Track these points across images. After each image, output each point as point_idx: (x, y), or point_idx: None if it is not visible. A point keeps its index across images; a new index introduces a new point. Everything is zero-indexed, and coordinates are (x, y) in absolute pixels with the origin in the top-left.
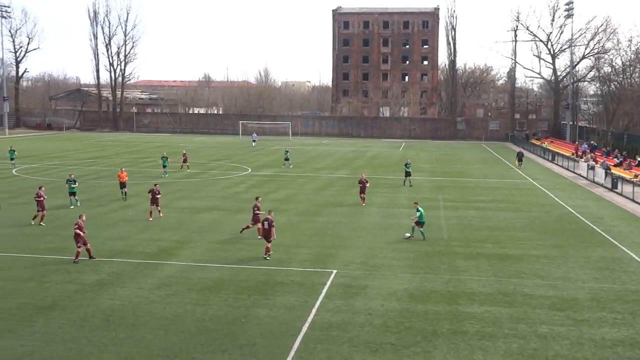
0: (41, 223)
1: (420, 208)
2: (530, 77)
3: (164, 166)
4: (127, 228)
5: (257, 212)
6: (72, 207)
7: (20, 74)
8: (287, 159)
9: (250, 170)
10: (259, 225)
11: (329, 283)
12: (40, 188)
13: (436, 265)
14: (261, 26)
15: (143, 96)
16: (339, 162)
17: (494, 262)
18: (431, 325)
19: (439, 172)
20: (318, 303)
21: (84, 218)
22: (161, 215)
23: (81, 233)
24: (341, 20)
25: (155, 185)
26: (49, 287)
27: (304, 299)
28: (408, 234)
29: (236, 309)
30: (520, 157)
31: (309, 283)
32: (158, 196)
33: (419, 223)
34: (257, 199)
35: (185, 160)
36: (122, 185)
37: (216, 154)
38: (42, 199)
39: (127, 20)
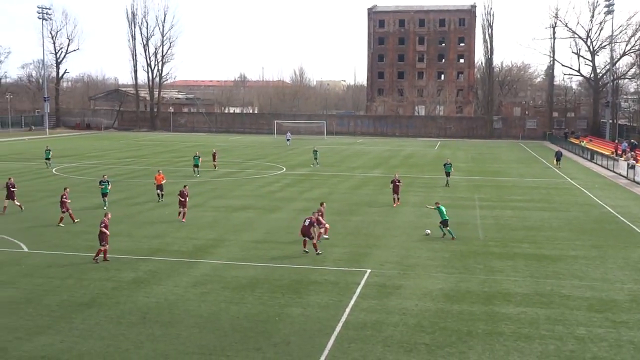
0: (70, 221)
1: (440, 207)
2: (569, 74)
3: (196, 165)
4: (163, 226)
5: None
6: (105, 207)
7: (60, 74)
8: (315, 158)
9: (284, 169)
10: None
11: (363, 282)
12: (65, 189)
13: (471, 265)
14: (296, 26)
15: (180, 96)
16: (374, 162)
17: (530, 263)
18: (466, 325)
19: (475, 172)
20: (352, 302)
21: (109, 216)
22: (183, 220)
23: (107, 232)
24: (377, 18)
25: (185, 186)
26: (87, 284)
27: (338, 298)
28: (429, 231)
29: (270, 307)
30: (558, 156)
31: (343, 282)
32: (182, 199)
33: (444, 222)
34: (322, 204)
35: (214, 159)
36: (159, 187)
37: (251, 153)
38: (67, 201)
39: (164, 21)
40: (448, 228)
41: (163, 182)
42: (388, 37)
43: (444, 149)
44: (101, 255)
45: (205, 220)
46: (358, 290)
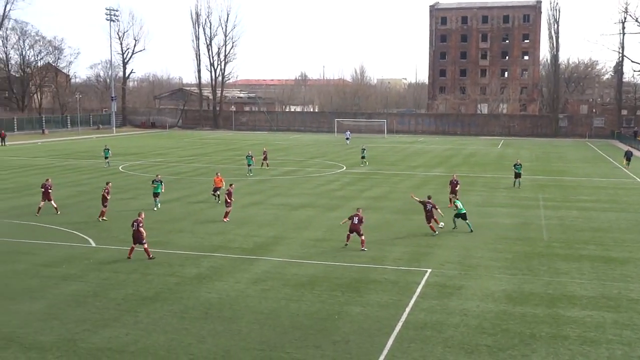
0: (103, 218)
1: (457, 201)
2: (639, 71)
3: (249, 165)
4: (225, 224)
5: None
6: (155, 208)
7: (126, 74)
8: (363, 157)
9: (344, 167)
10: (348, 220)
11: (423, 282)
12: (107, 184)
13: (535, 267)
14: (357, 24)
15: (241, 95)
16: (435, 160)
17: (597, 265)
18: (529, 328)
19: (540, 171)
20: (412, 302)
21: (143, 216)
22: (226, 219)
23: (144, 231)
24: (439, 16)
25: (231, 185)
26: (151, 279)
27: (398, 297)
28: (442, 224)
29: (330, 305)
30: (628, 155)
31: (402, 282)
32: (229, 199)
33: (460, 215)
34: (429, 197)
35: (265, 158)
36: (216, 189)
37: (312, 151)
38: (107, 196)
39: (227, 21)
40: (467, 221)
41: (222, 185)
42: (450, 35)
43: (507, 147)
44: (131, 252)
45: (266, 217)
46: (418, 290)
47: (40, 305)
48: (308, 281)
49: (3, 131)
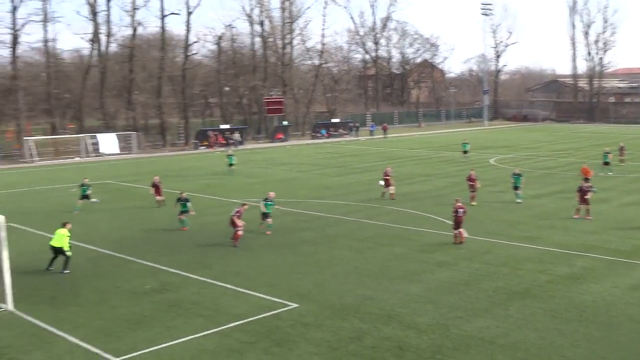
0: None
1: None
2: None
3: (606, 163)
4: (598, 222)
5: None
6: (518, 200)
7: (499, 68)
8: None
9: None
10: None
11: None
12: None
13: None
14: None
15: (621, 85)
16: None
17: None
18: None
19: None
20: None
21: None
22: (587, 217)
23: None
24: None
25: (589, 184)
26: (521, 274)
27: None
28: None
29: None
30: None
31: None
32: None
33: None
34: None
35: (621, 154)
36: (586, 179)
37: None
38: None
39: (606, 6)
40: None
41: (590, 175)
42: None
43: None
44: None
45: None
46: None
47: (417, 288)
48: None
49: (385, 124)
